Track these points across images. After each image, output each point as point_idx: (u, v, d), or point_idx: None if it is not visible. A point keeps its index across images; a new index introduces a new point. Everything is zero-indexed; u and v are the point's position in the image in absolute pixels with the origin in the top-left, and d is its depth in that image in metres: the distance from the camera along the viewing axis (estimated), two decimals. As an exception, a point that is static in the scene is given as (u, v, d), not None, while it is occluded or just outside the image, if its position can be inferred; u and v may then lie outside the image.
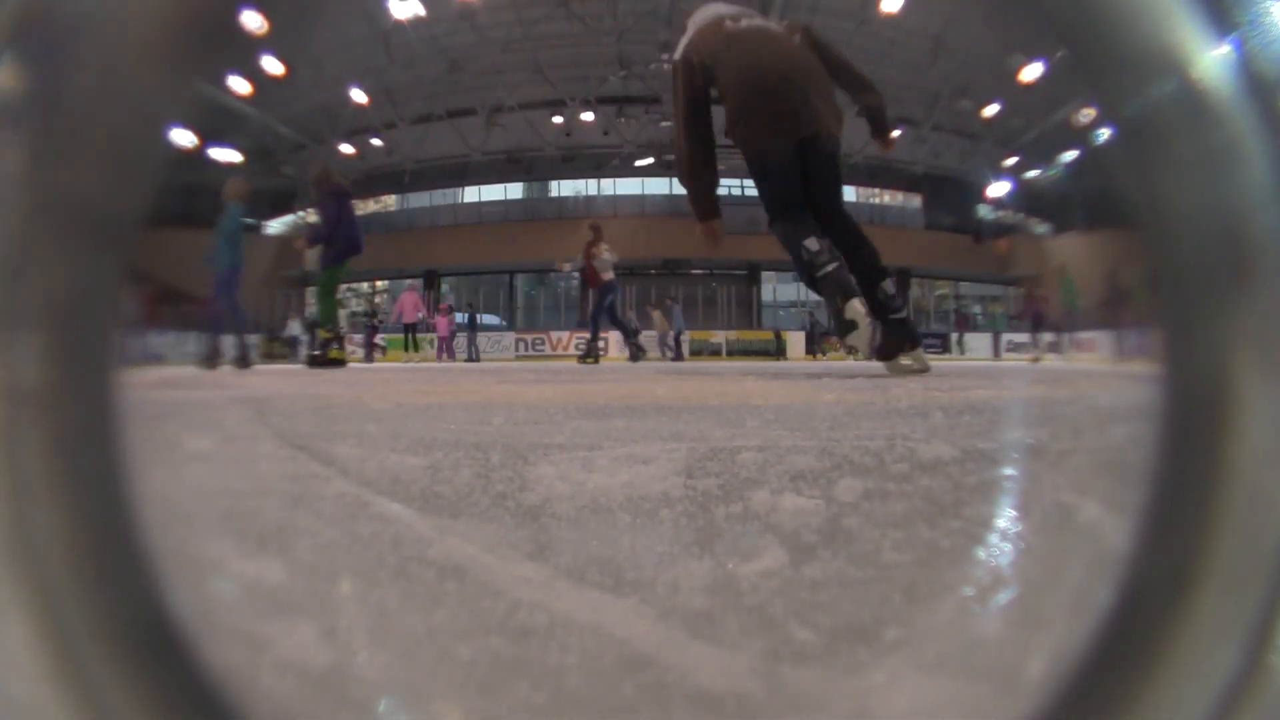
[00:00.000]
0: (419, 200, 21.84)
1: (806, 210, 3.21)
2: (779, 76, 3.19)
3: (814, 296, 3.68)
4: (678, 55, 3.36)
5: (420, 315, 14.01)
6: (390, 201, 22.14)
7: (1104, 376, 3.30)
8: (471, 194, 21.52)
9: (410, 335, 13.38)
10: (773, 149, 3.22)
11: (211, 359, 5.86)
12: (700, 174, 3.44)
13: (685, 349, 15.65)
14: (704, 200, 3.47)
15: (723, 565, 0.43)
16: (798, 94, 3.17)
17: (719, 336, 17.99)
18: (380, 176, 21.10)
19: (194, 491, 0.69)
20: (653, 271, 19.82)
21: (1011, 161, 18.75)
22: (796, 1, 16.30)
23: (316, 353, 6.11)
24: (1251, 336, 0.18)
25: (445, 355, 14.67)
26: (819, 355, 15.06)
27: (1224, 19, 0.19)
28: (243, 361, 5.89)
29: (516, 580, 0.41)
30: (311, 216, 21.00)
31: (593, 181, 20.89)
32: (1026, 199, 19.02)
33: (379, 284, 21.67)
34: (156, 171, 0.21)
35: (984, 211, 20.66)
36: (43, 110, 0.20)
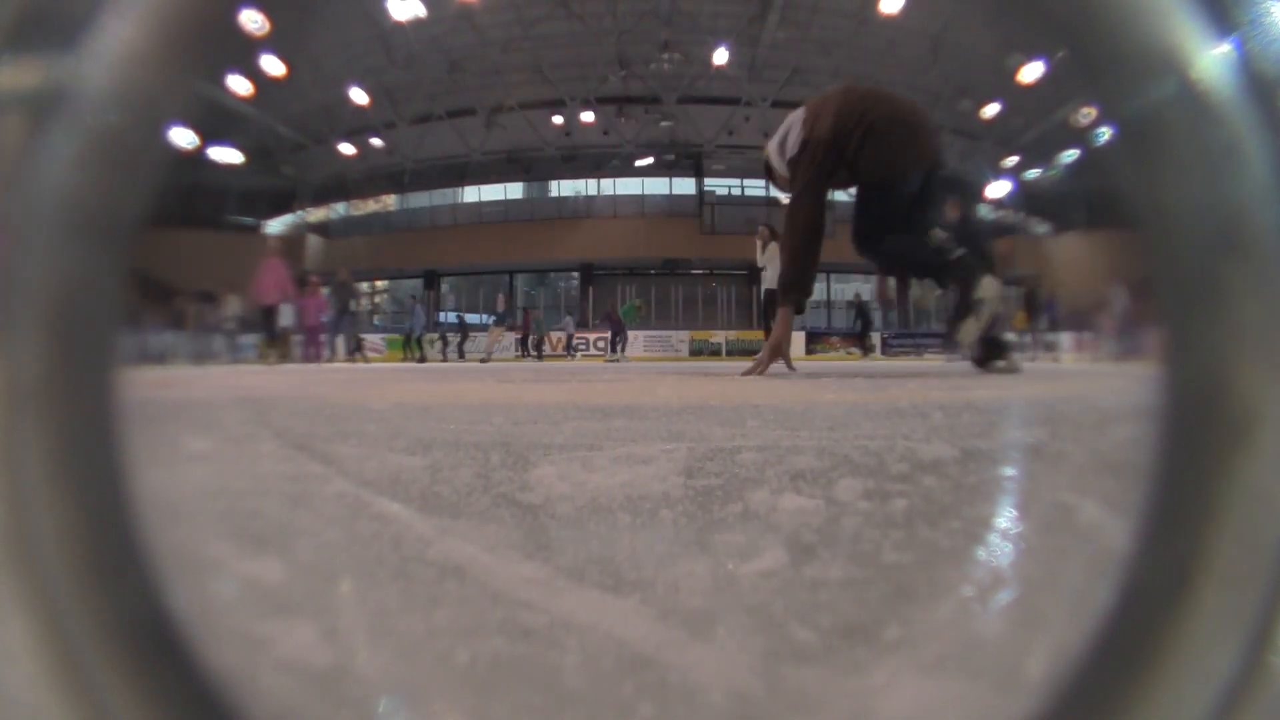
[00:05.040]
0: (419, 200, 21.82)
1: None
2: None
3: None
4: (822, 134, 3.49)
5: (286, 296, 9.31)
6: (390, 201, 22.12)
7: (1101, 376, 3.30)
8: (471, 194, 21.49)
9: (269, 330, 9.06)
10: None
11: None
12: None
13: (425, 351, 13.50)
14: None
15: (722, 565, 0.43)
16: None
17: (719, 337, 17.99)
18: (380, 176, 21.09)
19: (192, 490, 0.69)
20: (652, 271, 19.80)
21: (1011, 161, 18.73)
22: (797, 1, 16.30)
23: None
24: (1251, 336, 0.18)
25: (313, 353, 9.83)
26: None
27: (1224, 19, 0.19)
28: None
29: (517, 580, 0.41)
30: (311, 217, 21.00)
31: (593, 181, 20.88)
32: (1026, 199, 18.99)
33: (379, 284, 21.67)
34: (156, 171, 0.21)
35: (984, 211, 20.65)
36: (43, 110, 0.20)
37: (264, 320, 9.05)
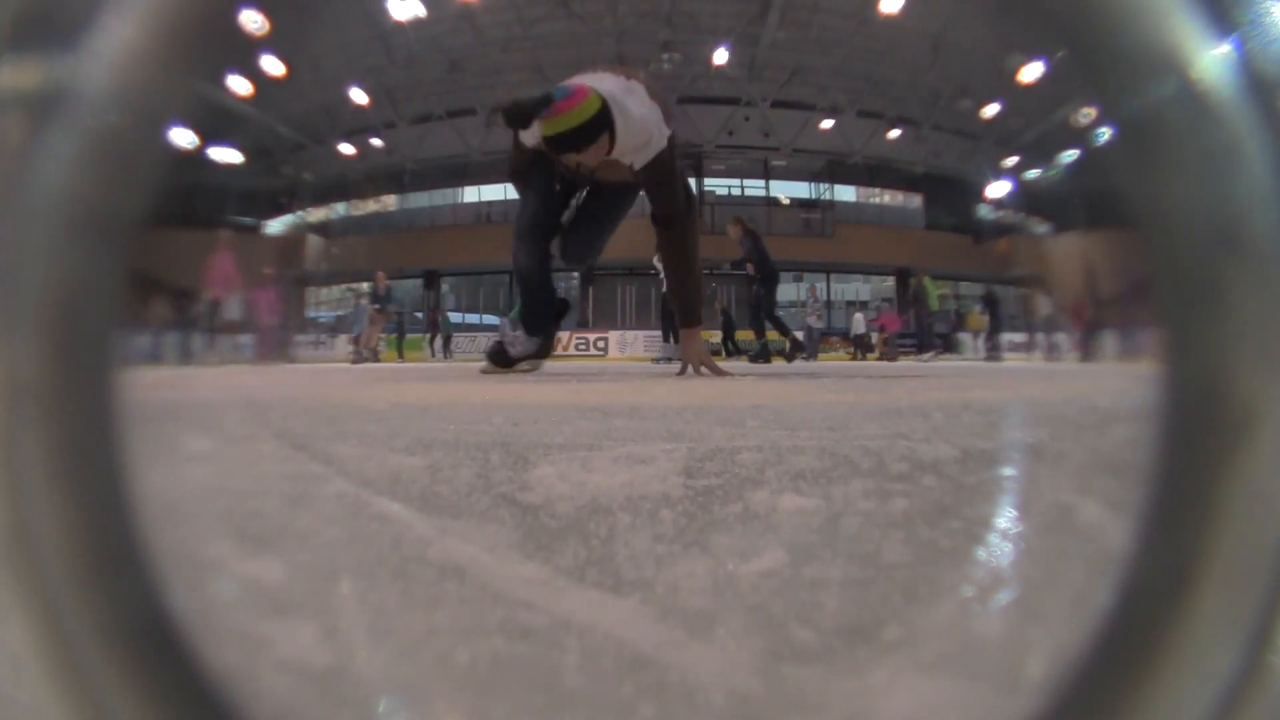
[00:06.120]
0: (419, 200, 21.82)
1: None
2: None
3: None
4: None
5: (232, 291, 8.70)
6: (390, 201, 22.13)
7: (1099, 375, 3.30)
8: (471, 194, 21.48)
9: (211, 323, 8.39)
10: None
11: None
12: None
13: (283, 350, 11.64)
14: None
15: (722, 564, 0.43)
16: None
17: (718, 336, 18.00)
18: (380, 176, 21.09)
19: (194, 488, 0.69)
20: (652, 271, 19.80)
21: (1011, 161, 18.75)
22: (797, 1, 16.32)
23: None
24: (1251, 336, 0.18)
25: (264, 352, 9.38)
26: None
27: (1224, 19, 0.19)
28: None
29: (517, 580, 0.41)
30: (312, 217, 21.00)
31: (593, 181, 20.82)
32: (1026, 199, 19.01)
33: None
34: (156, 171, 0.21)
35: (984, 211, 20.66)
36: (43, 110, 0.20)
37: (209, 313, 8.63)
